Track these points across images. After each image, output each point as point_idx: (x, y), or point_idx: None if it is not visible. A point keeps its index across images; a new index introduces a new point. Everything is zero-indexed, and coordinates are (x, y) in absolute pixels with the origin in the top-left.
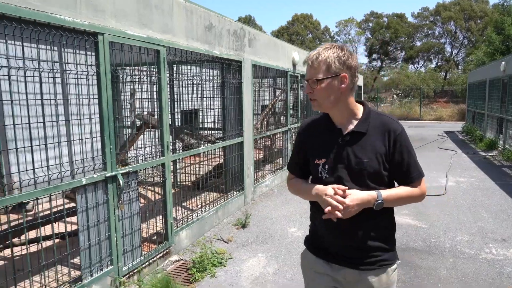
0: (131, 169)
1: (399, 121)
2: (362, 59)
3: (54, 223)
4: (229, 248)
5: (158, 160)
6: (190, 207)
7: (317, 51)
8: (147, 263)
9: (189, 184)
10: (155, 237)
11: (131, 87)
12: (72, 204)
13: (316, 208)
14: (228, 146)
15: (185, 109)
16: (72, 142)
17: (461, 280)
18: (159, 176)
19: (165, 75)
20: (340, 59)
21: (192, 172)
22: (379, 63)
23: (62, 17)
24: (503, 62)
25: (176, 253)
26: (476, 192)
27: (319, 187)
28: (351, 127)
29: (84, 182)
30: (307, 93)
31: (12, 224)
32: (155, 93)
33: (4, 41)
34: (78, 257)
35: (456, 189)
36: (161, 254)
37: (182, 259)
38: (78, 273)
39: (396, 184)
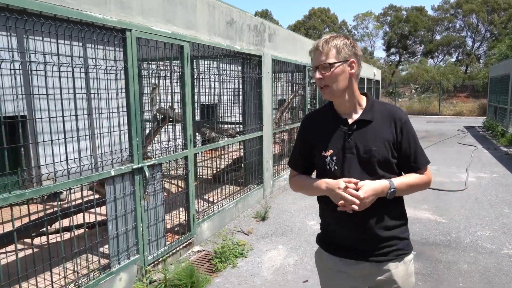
0: (156, 162)
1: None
2: (380, 53)
3: (84, 213)
4: (249, 240)
5: (181, 153)
6: (211, 200)
7: (324, 38)
8: (170, 253)
9: (209, 177)
10: (177, 228)
11: (153, 81)
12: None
13: (325, 204)
14: (247, 140)
15: (203, 103)
16: (102, 134)
17: (482, 275)
18: (180, 170)
19: (189, 70)
20: (347, 45)
21: (211, 165)
22: (397, 57)
23: (93, 14)
24: None
25: (198, 244)
26: (498, 188)
27: (329, 181)
28: (356, 116)
29: (112, 173)
30: (317, 80)
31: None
32: (176, 87)
33: (41, 38)
34: (106, 246)
35: (477, 185)
36: (184, 245)
37: (204, 250)
38: (106, 261)
39: (402, 173)
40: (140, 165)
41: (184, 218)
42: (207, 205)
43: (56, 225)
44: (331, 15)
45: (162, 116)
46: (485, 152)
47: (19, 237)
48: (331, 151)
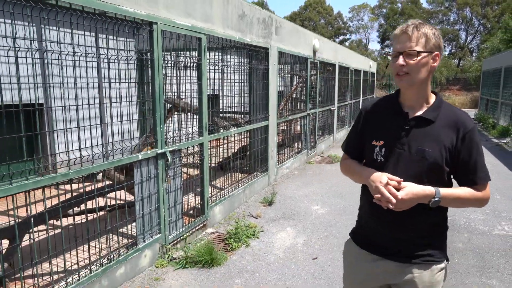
0: (176, 147)
1: None
2: (374, 45)
3: (116, 194)
4: (259, 222)
5: (198, 140)
6: (219, 186)
7: (413, 23)
8: (187, 234)
9: (215, 165)
10: (191, 212)
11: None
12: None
13: (366, 197)
14: (254, 129)
15: (208, 94)
16: (132, 121)
17: (475, 252)
18: (193, 157)
19: (206, 61)
20: (436, 36)
21: (216, 154)
22: (391, 50)
23: (126, 8)
24: None
25: (211, 226)
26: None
27: (374, 172)
28: (419, 112)
29: (140, 157)
30: (399, 66)
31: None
32: (188, 78)
33: (83, 31)
34: (132, 225)
35: None
36: (199, 226)
37: (217, 232)
38: (132, 240)
39: (452, 185)
40: (163, 150)
41: (198, 202)
42: (217, 191)
43: (86, 205)
44: (327, 6)
45: (170, 105)
46: None
47: (63, 214)
48: (381, 142)
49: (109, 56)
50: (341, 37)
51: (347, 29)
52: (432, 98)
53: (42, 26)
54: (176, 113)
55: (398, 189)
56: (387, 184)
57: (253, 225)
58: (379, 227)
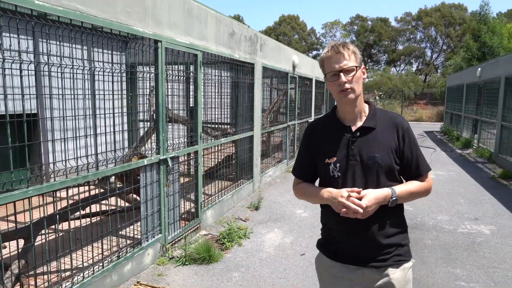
0: (175, 154)
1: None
2: None
3: (120, 198)
4: (248, 225)
5: (193, 148)
6: (207, 193)
7: (339, 43)
8: (183, 235)
9: (203, 173)
10: (184, 215)
11: (150, 84)
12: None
13: (329, 211)
14: (240, 139)
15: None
16: (135, 130)
17: (442, 247)
18: (184, 165)
19: (201, 75)
20: (359, 52)
21: (203, 163)
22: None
23: (137, 29)
24: (479, 69)
25: (204, 228)
26: (454, 183)
27: (332, 190)
28: (359, 123)
29: (145, 162)
30: (342, 83)
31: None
32: (176, 90)
33: (101, 50)
34: (134, 226)
35: (436, 181)
36: (193, 228)
37: (210, 233)
38: (134, 240)
39: (403, 180)
40: (164, 157)
41: (191, 206)
42: (206, 197)
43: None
44: (301, 22)
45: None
46: (442, 154)
47: (71, 216)
48: (334, 158)
49: (126, 71)
50: (314, 52)
51: (320, 45)
52: (366, 107)
53: (59, 42)
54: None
55: (359, 199)
56: (349, 196)
57: (244, 227)
58: (350, 238)
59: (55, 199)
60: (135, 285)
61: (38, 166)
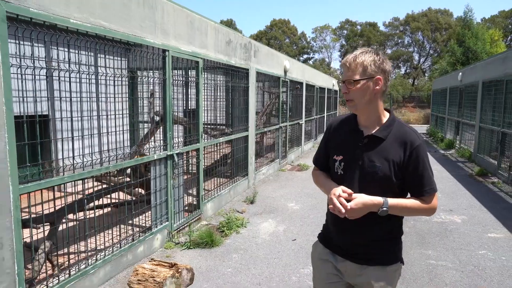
0: (180, 151)
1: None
2: (336, 64)
3: (134, 189)
4: (244, 216)
5: (196, 145)
6: (206, 188)
7: (354, 54)
8: (186, 224)
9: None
10: (187, 207)
11: (151, 88)
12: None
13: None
14: (236, 139)
15: (188, 108)
16: (144, 129)
17: (418, 234)
18: (183, 163)
19: (202, 80)
20: (375, 62)
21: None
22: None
23: (149, 40)
24: (460, 73)
25: (205, 219)
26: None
27: (332, 185)
28: (372, 131)
29: (155, 157)
30: (344, 93)
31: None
32: (175, 94)
33: (120, 58)
34: (144, 215)
35: None
36: (195, 219)
37: (210, 224)
38: (144, 226)
39: (409, 195)
40: (171, 153)
41: (193, 199)
42: (206, 191)
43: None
44: (291, 26)
45: (159, 118)
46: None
47: (92, 202)
48: (341, 157)
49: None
50: (305, 56)
51: (310, 49)
52: (386, 117)
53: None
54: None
55: (349, 200)
56: (339, 196)
57: (241, 217)
58: (339, 232)
59: (76, 189)
60: (149, 261)
61: (55, 160)
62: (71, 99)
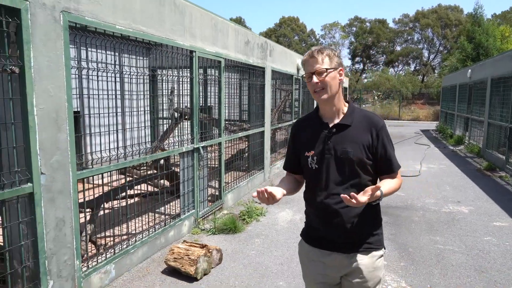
0: (205, 144)
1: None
2: (345, 62)
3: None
4: (263, 206)
5: (218, 140)
6: (226, 181)
7: (316, 48)
8: (210, 212)
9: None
10: (209, 198)
11: (172, 85)
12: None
13: (308, 204)
14: (253, 134)
15: (206, 105)
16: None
17: (427, 222)
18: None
19: (224, 79)
20: (336, 55)
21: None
22: (361, 66)
23: (179, 42)
24: (469, 70)
25: (226, 209)
26: (443, 174)
27: (281, 185)
28: (337, 120)
29: (184, 150)
30: (314, 84)
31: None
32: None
33: (145, 58)
34: (173, 203)
35: (427, 172)
36: (217, 208)
37: (231, 213)
38: (173, 214)
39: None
40: (197, 146)
41: (215, 190)
42: (226, 183)
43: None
44: (300, 24)
45: (179, 114)
46: (436, 150)
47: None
48: (312, 152)
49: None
50: None
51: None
52: (346, 106)
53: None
54: (185, 120)
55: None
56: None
57: (259, 207)
58: (325, 224)
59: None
60: (182, 242)
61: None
62: (115, 96)
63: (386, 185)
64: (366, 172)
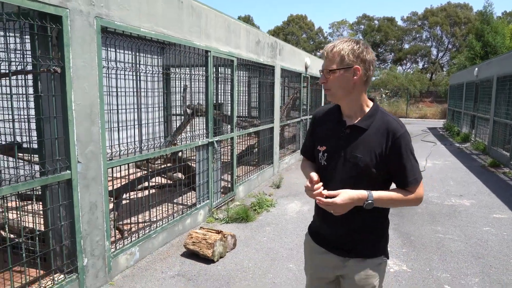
0: (218, 139)
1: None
2: None
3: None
4: (272, 198)
5: (230, 135)
6: (237, 175)
7: (333, 43)
8: (223, 203)
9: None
10: (222, 190)
11: (184, 83)
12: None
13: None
14: (263, 130)
15: (217, 102)
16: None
17: (429, 214)
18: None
19: (236, 77)
20: (354, 52)
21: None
22: None
23: (196, 43)
24: (476, 68)
25: (237, 200)
26: (448, 170)
27: (312, 175)
28: (355, 120)
29: (199, 143)
30: (321, 83)
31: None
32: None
33: (159, 57)
34: (190, 194)
35: (432, 168)
36: (230, 199)
37: (242, 204)
38: (188, 204)
39: (393, 185)
40: (212, 140)
41: (227, 183)
42: (237, 177)
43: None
44: (308, 22)
45: (192, 111)
46: (442, 147)
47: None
48: (324, 147)
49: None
50: (322, 51)
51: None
52: (369, 107)
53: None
54: (197, 117)
55: (334, 196)
56: (314, 187)
57: (269, 199)
58: (324, 222)
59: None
60: (199, 228)
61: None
62: (146, 95)
63: (385, 192)
64: (371, 180)
